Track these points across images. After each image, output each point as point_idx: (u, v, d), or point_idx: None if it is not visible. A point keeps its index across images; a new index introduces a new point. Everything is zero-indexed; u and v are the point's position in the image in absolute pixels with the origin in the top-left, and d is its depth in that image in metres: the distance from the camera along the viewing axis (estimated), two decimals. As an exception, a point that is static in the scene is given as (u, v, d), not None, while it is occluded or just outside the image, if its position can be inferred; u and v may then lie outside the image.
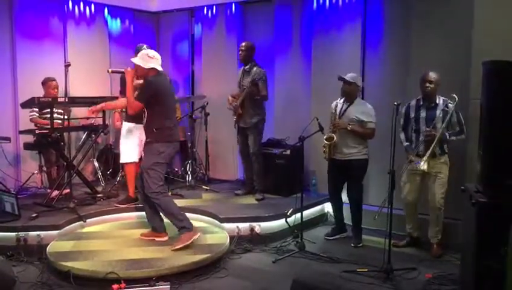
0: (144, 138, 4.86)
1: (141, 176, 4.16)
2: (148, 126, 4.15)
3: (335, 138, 4.45)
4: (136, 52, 4.84)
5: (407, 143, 4.32)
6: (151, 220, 4.35)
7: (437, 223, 4.21)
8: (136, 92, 4.15)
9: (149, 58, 4.06)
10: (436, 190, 4.16)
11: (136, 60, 4.08)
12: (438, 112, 4.12)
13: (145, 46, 4.97)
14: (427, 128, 4.11)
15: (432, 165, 4.13)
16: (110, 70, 4.79)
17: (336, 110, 4.57)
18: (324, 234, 4.83)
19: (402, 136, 4.35)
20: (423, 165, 3.98)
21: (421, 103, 4.25)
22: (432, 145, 4.01)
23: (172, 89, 4.44)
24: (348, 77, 4.45)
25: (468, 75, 4.31)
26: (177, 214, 4.13)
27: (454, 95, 4.03)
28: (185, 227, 4.10)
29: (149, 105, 4.09)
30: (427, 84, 4.14)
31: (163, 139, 4.13)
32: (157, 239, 4.27)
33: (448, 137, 4.09)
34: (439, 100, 4.16)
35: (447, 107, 4.10)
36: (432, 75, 4.14)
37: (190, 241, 4.04)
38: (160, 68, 4.14)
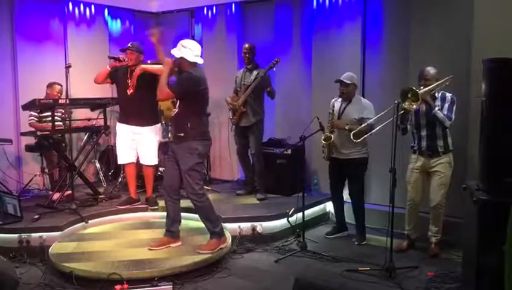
0: (135, 138, 4.86)
1: (167, 178, 4.06)
2: (180, 120, 3.95)
3: (333, 138, 4.45)
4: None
5: None
6: (172, 226, 4.11)
7: (436, 223, 4.18)
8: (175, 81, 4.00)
9: (181, 48, 3.88)
10: (436, 189, 4.12)
11: (173, 51, 3.93)
12: (437, 103, 4.06)
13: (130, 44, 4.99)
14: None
15: (433, 164, 4.12)
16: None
17: (334, 110, 4.56)
18: (325, 232, 4.84)
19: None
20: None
21: None
22: (430, 87, 3.95)
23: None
24: (345, 77, 4.45)
25: (468, 73, 4.31)
26: (214, 220, 4.06)
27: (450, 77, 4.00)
28: (216, 233, 4.03)
29: (183, 98, 3.94)
30: (423, 82, 4.06)
31: (200, 136, 3.98)
32: (173, 245, 4.08)
33: (435, 108, 3.99)
34: (438, 93, 4.11)
35: (444, 98, 4.06)
36: (429, 72, 4.07)
37: (217, 248, 3.99)
38: (191, 59, 3.89)
